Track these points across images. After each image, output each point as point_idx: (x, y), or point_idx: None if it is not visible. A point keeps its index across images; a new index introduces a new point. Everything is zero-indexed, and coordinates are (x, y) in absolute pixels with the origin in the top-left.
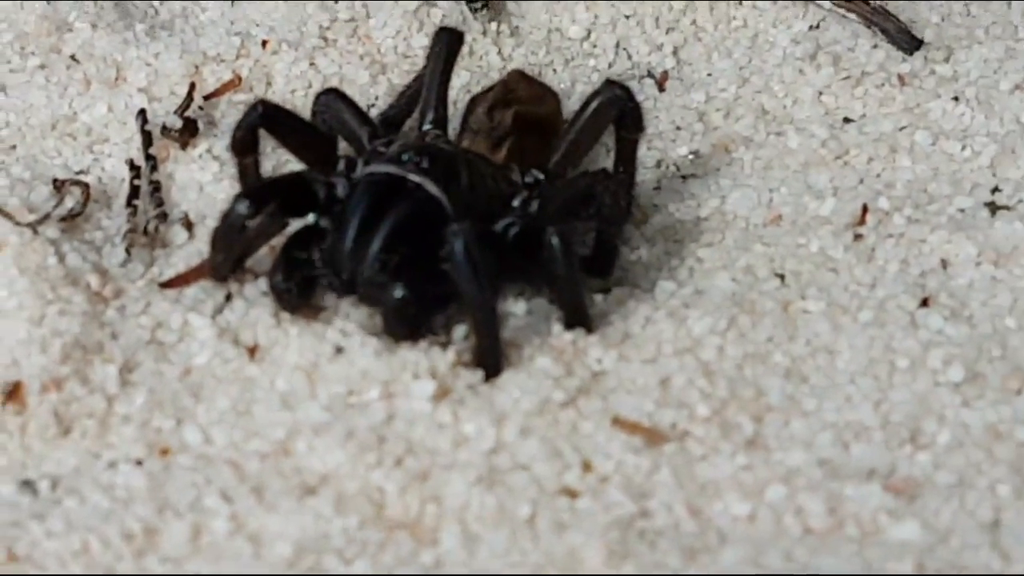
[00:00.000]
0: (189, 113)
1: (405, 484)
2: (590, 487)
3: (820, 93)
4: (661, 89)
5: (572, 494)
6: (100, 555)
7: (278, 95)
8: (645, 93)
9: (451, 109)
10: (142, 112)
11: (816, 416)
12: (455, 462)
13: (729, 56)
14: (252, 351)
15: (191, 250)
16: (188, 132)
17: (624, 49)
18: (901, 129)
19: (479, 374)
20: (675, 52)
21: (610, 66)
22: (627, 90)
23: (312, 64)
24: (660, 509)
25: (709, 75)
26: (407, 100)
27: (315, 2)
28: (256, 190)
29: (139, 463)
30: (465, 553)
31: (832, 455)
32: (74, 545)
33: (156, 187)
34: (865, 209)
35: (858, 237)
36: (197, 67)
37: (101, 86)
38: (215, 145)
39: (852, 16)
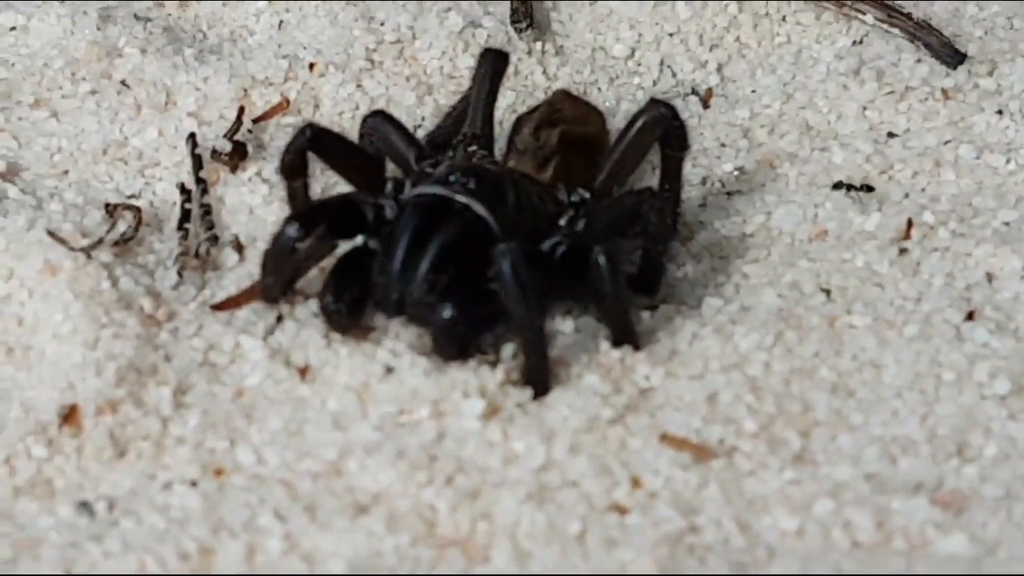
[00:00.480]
0: (238, 136)
1: (456, 502)
2: (639, 503)
3: (864, 108)
4: (705, 106)
5: (622, 510)
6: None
7: (326, 117)
8: (689, 110)
9: (497, 129)
10: (192, 136)
11: (863, 430)
12: (505, 480)
13: (773, 72)
14: (303, 372)
15: (242, 272)
16: (238, 155)
17: (668, 67)
18: (945, 143)
19: (528, 392)
20: (719, 69)
21: (654, 84)
22: (672, 108)
23: (359, 86)
24: (709, 524)
25: (753, 92)
26: (453, 121)
27: (361, 24)
28: (306, 213)
29: (194, 484)
30: (516, 570)
31: (879, 469)
32: (131, 566)
33: (207, 210)
34: (910, 223)
35: (903, 251)
36: (246, 91)
37: (151, 111)
38: (264, 168)
39: (895, 31)
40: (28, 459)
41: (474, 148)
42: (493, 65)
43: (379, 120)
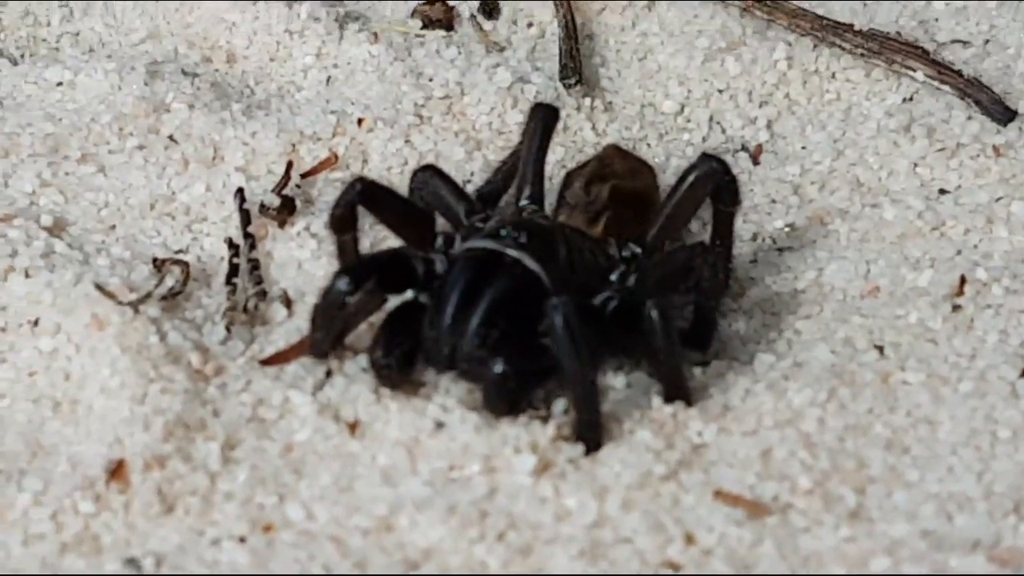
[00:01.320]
0: (287, 191)
1: (508, 558)
2: (693, 559)
3: (915, 165)
4: (755, 163)
5: (675, 567)
6: None
7: (374, 172)
8: (739, 167)
9: (546, 185)
10: (240, 191)
11: (919, 487)
12: (557, 536)
13: (823, 129)
14: (353, 427)
15: (290, 327)
16: (286, 210)
17: (718, 123)
18: (997, 200)
19: (580, 448)
20: (769, 126)
21: (704, 140)
22: (724, 163)
23: (407, 141)
24: None
25: (803, 148)
26: (503, 176)
27: (410, 80)
28: (356, 267)
29: (242, 540)
30: None
31: (936, 526)
32: None
33: (255, 265)
34: (963, 280)
35: (956, 308)
36: (294, 146)
37: (199, 166)
38: (313, 223)
39: (946, 88)
40: (75, 515)
41: (525, 203)
42: (544, 119)
43: (429, 174)
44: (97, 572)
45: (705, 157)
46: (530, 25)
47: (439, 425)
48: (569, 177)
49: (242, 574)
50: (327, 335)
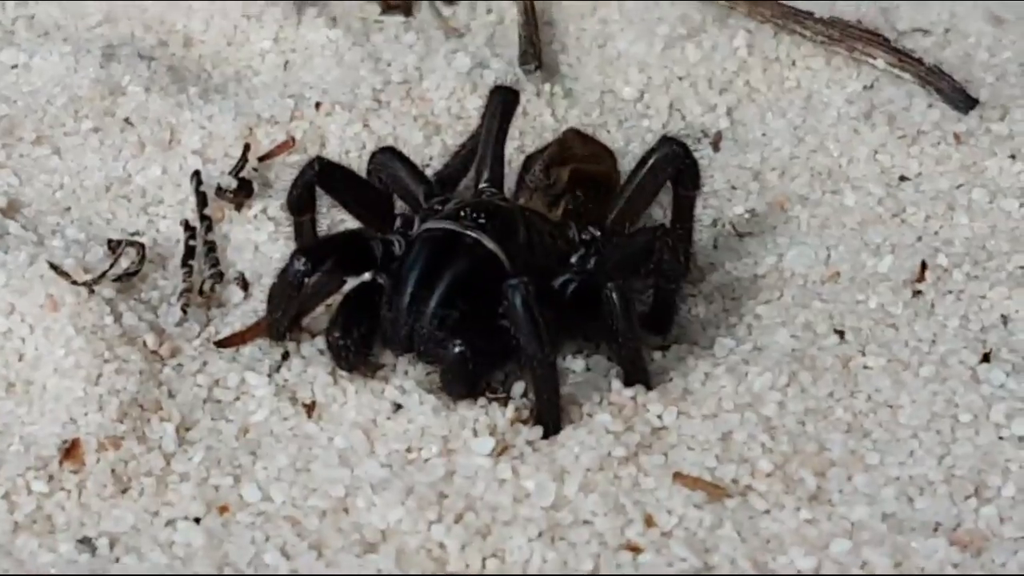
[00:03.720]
0: (244, 174)
1: (466, 540)
2: (653, 542)
3: (875, 152)
4: (716, 149)
5: (635, 549)
6: None
7: (332, 156)
8: (700, 153)
9: (505, 169)
10: (196, 173)
11: (879, 470)
12: (516, 517)
13: (783, 116)
14: (310, 409)
15: (247, 309)
16: (243, 193)
17: (678, 110)
18: (958, 187)
19: (539, 430)
20: (729, 113)
21: (664, 127)
22: (684, 146)
23: (366, 126)
24: (724, 564)
25: (764, 135)
26: (461, 160)
27: (368, 65)
28: (313, 247)
29: (198, 521)
30: None
31: (896, 509)
32: None
33: (211, 247)
34: (924, 266)
35: (917, 294)
36: (251, 129)
37: (155, 148)
38: (270, 206)
39: (906, 76)
40: (28, 495)
41: (484, 186)
42: (504, 102)
43: (388, 156)
44: (50, 553)
45: (665, 140)
46: (489, 11)
47: (397, 407)
48: (529, 160)
49: (197, 555)
50: (284, 316)
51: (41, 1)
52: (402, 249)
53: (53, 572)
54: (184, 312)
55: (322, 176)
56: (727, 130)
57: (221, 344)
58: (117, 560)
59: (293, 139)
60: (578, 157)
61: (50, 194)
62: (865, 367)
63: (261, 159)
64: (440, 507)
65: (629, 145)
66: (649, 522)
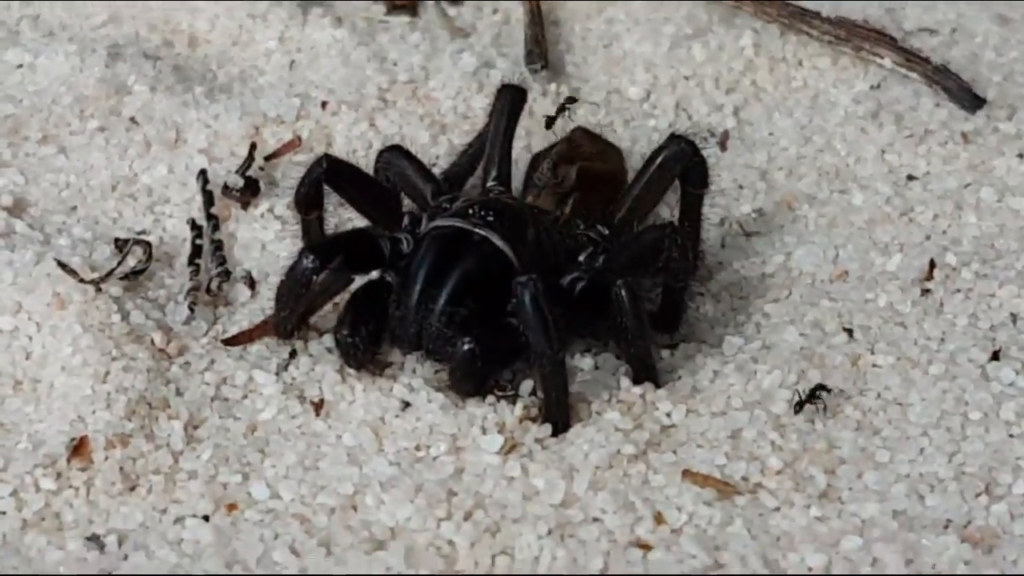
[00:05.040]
0: (250, 173)
1: (475, 538)
2: (663, 539)
3: (883, 151)
4: (723, 149)
5: (645, 547)
6: None
7: (338, 155)
8: (707, 152)
9: (512, 168)
10: (203, 172)
11: (889, 468)
12: (525, 515)
13: (790, 116)
14: (318, 407)
15: (254, 308)
16: (250, 191)
17: (684, 110)
18: (966, 186)
19: (547, 428)
20: (735, 112)
21: (670, 126)
22: (692, 144)
23: (372, 125)
24: (734, 561)
25: (771, 135)
26: (469, 159)
27: (374, 65)
28: (321, 245)
29: (206, 519)
30: None
31: (907, 506)
32: None
33: (218, 246)
34: (932, 264)
35: (926, 292)
36: (257, 128)
37: (161, 147)
38: (276, 204)
39: (914, 75)
40: (36, 492)
41: (492, 184)
42: (511, 101)
43: (395, 154)
44: (58, 550)
45: (674, 138)
46: (495, 11)
47: (405, 405)
48: (536, 159)
49: (206, 552)
50: (291, 314)
51: (46, 1)
52: (410, 247)
53: (62, 570)
54: (191, 310)
55: (330, 173)
56: (734, 130)
57: (228, 342)
58: (126, 558)
59: (299, 138)
60: (586, 155)
61: (56, 193)
62: (874, 365)
63: (267, 158)
64: (449, 505)
65: (635, 145)
66: (659, 520)
